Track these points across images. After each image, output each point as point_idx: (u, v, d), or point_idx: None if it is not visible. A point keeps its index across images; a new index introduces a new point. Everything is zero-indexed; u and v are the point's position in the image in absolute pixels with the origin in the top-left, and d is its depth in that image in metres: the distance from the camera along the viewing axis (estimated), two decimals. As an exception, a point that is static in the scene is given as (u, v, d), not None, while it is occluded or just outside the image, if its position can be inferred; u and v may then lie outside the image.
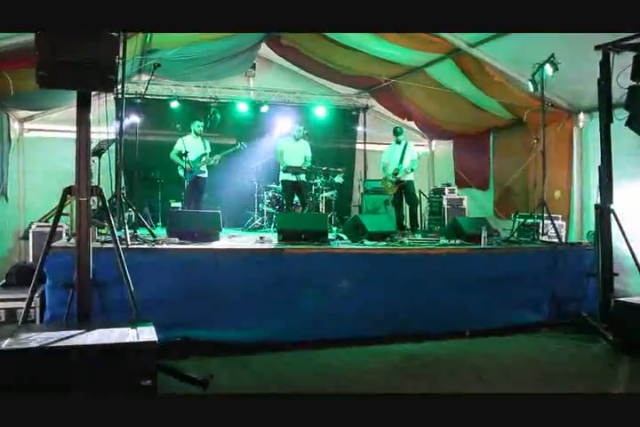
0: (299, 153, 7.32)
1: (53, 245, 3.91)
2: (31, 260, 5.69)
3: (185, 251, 4.51)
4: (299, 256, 4.78)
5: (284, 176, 7.02)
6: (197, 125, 7.64)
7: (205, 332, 4.44)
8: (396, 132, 7.43)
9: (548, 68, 6.42)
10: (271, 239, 5.38)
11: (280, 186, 8.98)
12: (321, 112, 10.03)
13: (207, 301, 4.49)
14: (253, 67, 10.10)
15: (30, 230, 6.04)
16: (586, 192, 8.51)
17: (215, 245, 4.95)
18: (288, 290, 4.69)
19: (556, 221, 6.68)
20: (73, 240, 4.84)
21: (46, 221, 6.48)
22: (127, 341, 2.97)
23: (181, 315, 4.40)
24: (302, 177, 6.66)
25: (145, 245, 4.50)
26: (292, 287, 4.70)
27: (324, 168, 6.75)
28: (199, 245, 4.73)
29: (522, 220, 7.10)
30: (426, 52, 7.66)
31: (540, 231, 6.70)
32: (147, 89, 5.95)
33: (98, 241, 4.47)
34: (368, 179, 8.69)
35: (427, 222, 9.22)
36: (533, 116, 8.62)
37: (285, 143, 7.54)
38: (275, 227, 8.30)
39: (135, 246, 4.44)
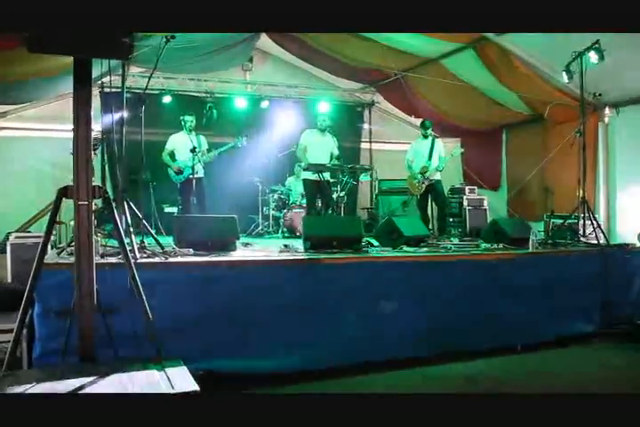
0: (325, 148, 6.42)
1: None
2: (10, 279, 4.76)
3: (205, 264, 3.71)
4: (337, 267, 4.04)
5: (305, 175, 6.16)
6: (189, 120, 6.76)
7: (232, 362, 3.67)
8: (425, 126, 6.71)
9: (593, 56, 5.81)
10: (296, 248, 4.62)
11: (288, 187, 8.25)
12: (324, 108, 9.30)
13: (232, 324, 3.73)
14: (250, 60, 9.34)
15: (8, 243, 5.08)
16: (612, 190, 8.04)
17: (237, 256, 4.17)
18: (327, 307, 3.96)
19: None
20: (65, 254, 4.04)
21: (27, 231, 5.59)
22: (160, 391, 2.19)
23: (202, 343, 3.63)
24: (326, 176, 5.84)
25: (156, 259, 3.69)
26: (332, 304, 3.97)
27: (351, 166, 5.94)
28: (220, 257, 3.94)
29: (557, 221, 6.50)
30: (449, 40, 7.04)
31: (581, 233, 6.09)
32: (148, 82, 5.09)
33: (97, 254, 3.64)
34: (383, 178, 8.00)
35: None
36: (556, 110, 8.12)
37: (310, 137, 6.53)
38: (282, 232, 7.58)
39: (145, 260, 3.63)
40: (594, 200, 7.75)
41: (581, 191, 6.06)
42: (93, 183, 3.11)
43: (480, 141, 9.92)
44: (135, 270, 3.16)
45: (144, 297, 3.09)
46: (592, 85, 7.12)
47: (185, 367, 2.54)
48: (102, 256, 3.62)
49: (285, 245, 4.61)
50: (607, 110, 7.90)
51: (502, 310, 4.69)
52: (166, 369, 2.48)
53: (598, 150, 7.92)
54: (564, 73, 6.36)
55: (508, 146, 9.77)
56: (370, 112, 10.25)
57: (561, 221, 6.52)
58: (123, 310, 3.27)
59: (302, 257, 4.13)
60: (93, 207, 3.20)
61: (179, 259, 3.77)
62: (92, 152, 4.66)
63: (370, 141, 10.19)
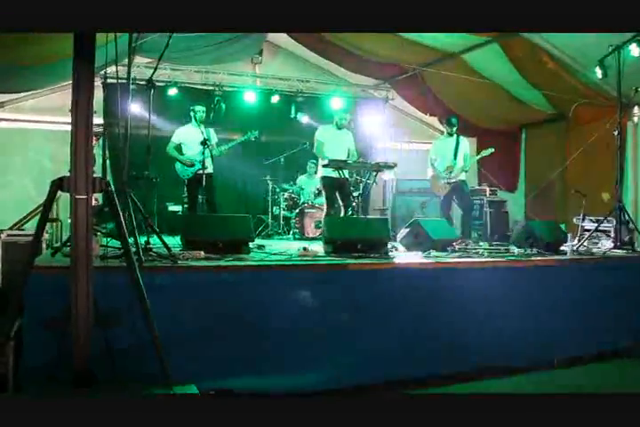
0: (342, 145, 5.99)
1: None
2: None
3: (219, 269, 3.28)
4: (364, 274, 3.62)
5: (325, 172, 5.71)
6: (199, 111, 6.27)
7: (247, 380, 3.24)
8: (451, 123, 6.28)
9: (634, 49, 5.40)
10: (315, 251, 4.20)
11: (300, 185, 7.85)
12: (337, 104, 8.86)
13: (248, 337, 3.31)
14: (260, 53, 8.93)
15: (-1, 241, 4.64)
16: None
17: (254, 259, 3.75)
18: (354, 318, 3.55)
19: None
20: (60, 255, 3.62)
21: (21, 229, 5.17)
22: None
23: (213, 358, 3.21)
24: (346, 173, 5.39)
25: (163, 262, 3.27)
26: (359, 315, 3.56)
27: (374, 162, 5.50)
28: (236, 261, 3.52)
29: (591, 225, 6.09)
30: (474, 34, 6.62)
31: (617, 239, 5.68)
32: (154, 71, 4.60)
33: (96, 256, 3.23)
34: (402, 178, 7.59)
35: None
36: (581, 110, 7.74)
37: (325, 133, 6.09)
38: (293, 234, 7.16)
39: (150, 264, 3.21)
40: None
41: (620, 195, 5.64)
42: (94, 175, 2.70)
43: (497, 141, 9.41)
44: (140, 276, 2.76)
45: (149, 306, 2.70)
46: (622, 83, 6.76)
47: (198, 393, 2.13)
48: (102, 259, 3.20)
49: (305, 248, 4.19)
50: (636, 109, 7.54)
51: (540, 321, 4.30)
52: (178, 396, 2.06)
53: (627, 151, 7.53)
54: (597, 68, 5.94)
55: (528, 146, 9.37)
56: (384, 109, 9.81)
57: (592, 225, 6.10)
58: (124, 320, 2.86)
59: (329, 262, 3.70)
60: (93, 202, 2.80)
61: (189, 263, 3.35)
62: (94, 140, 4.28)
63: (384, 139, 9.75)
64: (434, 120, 9.97)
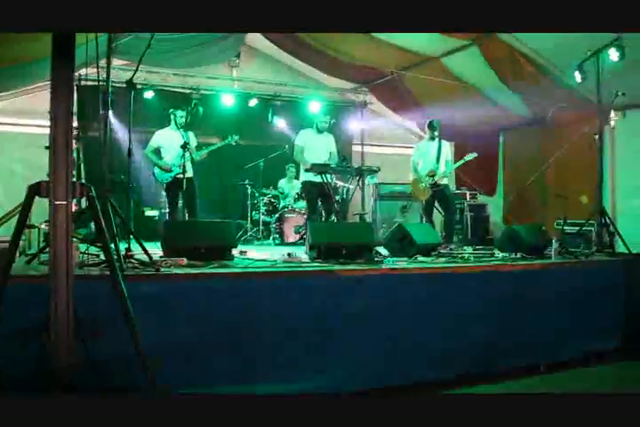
0: (323, 148, 5.87)
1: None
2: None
3: (204, 277, 3.17)
4: (352, 280, 3.54)
5: (306, 176, 5.60)
6: (179, 115, 6.10)
7: (237, 388, 3.13)
8: (432, 126, 6.24)
9: (613, 53, 5.46)
10: (300, 257, 4.11)
11: (279, 190, 7.75)
12: (315, 107, 8.80)
13: (235, 347, 3.19)
14: (238, 56, 8.82)
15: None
16: (617, 197, 7.75)
17: (238, 266, 3.64)
18: (346, 326, 3.46)
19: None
20: (36, 263, 3.47)
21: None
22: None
23: (201, 370, 3.08)
24: (329, 177, 5.26)
25: (146, 270, 3.14)
26: (350, 322, 3.47)
27: (357, 166, 5.39)
28: (222, 269, 3.41)
29: (571, 229, 6.15)
30: (454, 37, 6.63)
31: (598, 241, 5.75)
32: (135, 73, 4.47)
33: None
34: (382, 182, 7.54)
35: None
36: (559, 113, 7.80)
37: (306, 136, 5.95)
38: (273, 239, 7.05)
39: (132, 272, 3.07)
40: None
41: (599, 197, 5.69)
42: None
43: (475, 145, 9.50)
44: (123, 284, 2.64)
45: (132, 316, 2.57)
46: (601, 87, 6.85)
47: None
48: (81, 267, 3.05)
49: (289, 254, 4.09)
50: (612, 114, 7.64)
51: (525, 325, 4.28)
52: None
53: (605, 154, 7.62)
54: (576, 72, 5.99)
55: (505, 150, 9.42)
56: (362, 113, 9.78)
57: (574, 228, 6.16)
58: (107, 331, 2.73)
59: (317, 268, 3.61)
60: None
61: (172, 270, 3.22)
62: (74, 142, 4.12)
63: (362, 144, 9.71)
64: (412, 124, 9.98)
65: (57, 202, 2.47)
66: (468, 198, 7.93)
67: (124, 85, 4.73)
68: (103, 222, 2.58)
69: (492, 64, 7.17)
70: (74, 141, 4.69)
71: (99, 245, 2.89)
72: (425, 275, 3.82)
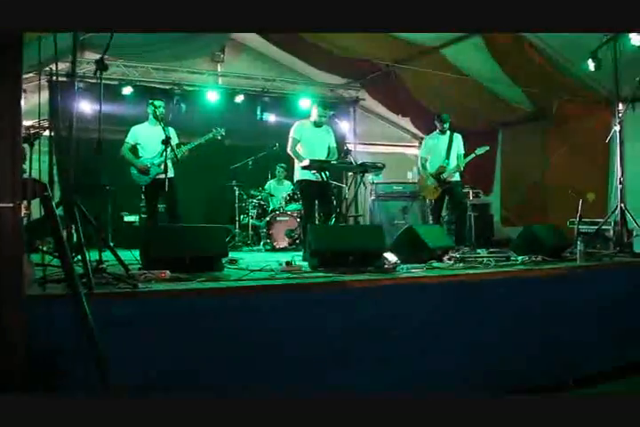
0: (321, 143, 5.23)
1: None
2: None
3: (191, 294, 2.63)
4: (366, 291, 3.03)
5: (301, 175, 5.01)
6: (160, 106, 5.38)
7: None
8: (442, 119, 5.75)
9: (634, 38, 5.04)
10: (299, 265, 3.59)
11: (269, 191, 7.22)
12: (306, 104, 8.30)
13: (236, 378, 2.67)
14: (222, 51, 8.29)
15: None
16: (626, 193, 7.39)
17: (229, 278, 3.10)
18: (357, 345, 2.96)
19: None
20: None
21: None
22: None
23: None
24: (328, 175, 4.67)
25: (120, 287, 2.59)
26: (362, 340, 2.97)
27: (361, 162, 4.83)
28: (211, 282, 2.87)
29: (586, 228, 5.72)
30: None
31: (617, 241, 5.32)
32: (105, 52, 3.91)
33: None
34: (380, 182, 7.03)
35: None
36: (563, 106, 7.42)
37: (302, 130, 5.25)
38: (264, 244, 6.52)
39: (103, 290, 2.52)
40: (605, 204, 7.08)
41: (620, 195, 5.28)
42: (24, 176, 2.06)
43: (474, 141, 9.11)
44: (88, 306, 2.12)
45: (98, 345, 2.07)
46: (608, 78, 6.46)
47: None
48: (40, 284, 2.50)
49: (288, 263, 3.56)
50: (621, 106, 7.27)
51: (552, 335, 3.81)
52: None
53: (623, 148, 7.27)
54: (589, 60, 5.57)
55: (504, 147, 9.01)
56: (354, 110, 9.30)
57: (589, 227, 5.74)
58: (70, 365, 2.19)
59: (324, 279, 3.08)
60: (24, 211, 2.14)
61: (152, 286, 2.68)
62: (28, 143, 3.57)
63: (354, 143, 9.21)
64: (407, 122, 9.53)
65: (1, 204, 1.96)
66: (471, 197, 7.46)
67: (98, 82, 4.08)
68: (61, 230, 2.05)
69: (496, 54, 6.77)
70: (37, 139, 4.14)
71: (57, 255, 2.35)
72: (448, 284, 3.32)
